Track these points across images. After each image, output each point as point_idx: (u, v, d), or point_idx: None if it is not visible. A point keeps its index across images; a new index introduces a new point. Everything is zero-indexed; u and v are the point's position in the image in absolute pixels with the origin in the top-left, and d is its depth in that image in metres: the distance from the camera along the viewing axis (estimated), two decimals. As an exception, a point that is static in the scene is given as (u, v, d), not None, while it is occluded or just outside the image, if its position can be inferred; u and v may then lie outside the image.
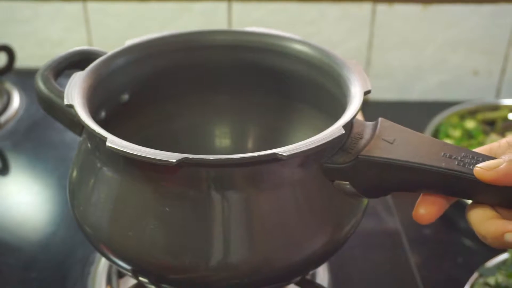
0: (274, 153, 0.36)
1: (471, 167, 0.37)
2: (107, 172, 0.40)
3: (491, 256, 0.63)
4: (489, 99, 0.99)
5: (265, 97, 0.55)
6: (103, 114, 0.48)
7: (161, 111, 0.55)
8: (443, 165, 0.38)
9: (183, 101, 0.55)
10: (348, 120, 0.39)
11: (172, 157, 0.35)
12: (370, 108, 0.98)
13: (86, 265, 0.56)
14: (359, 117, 0.46)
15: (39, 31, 0.98)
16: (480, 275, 0.61)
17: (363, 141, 0.41)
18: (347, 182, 0.40)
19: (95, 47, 0.52)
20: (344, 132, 0.38)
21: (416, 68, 0.98)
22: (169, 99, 0.55)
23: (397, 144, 0.40)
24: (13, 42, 0.92)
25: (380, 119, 0.43)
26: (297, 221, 0.39)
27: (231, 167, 0.37)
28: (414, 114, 0.98)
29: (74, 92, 0.42)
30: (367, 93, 0.43)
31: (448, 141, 0.84)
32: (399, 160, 0.39)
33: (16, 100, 0.86)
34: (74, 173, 0.44)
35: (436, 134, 0.86)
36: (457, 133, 0.86)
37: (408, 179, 0.39)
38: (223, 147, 0.57)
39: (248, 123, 0.57)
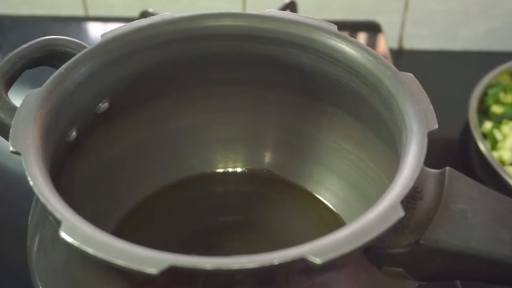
0: (302, 258, 0.24)
1: None
2: (66, 257, 0.29)
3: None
4: (548, 51, 0.86)
5: (286, 95, 0.43)
6: (73, 134, 0.37)
7: (153, 112, 0.43)
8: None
9: (180, 97, 0.43)
10: (408, 191, 0.28)
11: (154, 262, 0.24)
12: (406, 57, 0.86)
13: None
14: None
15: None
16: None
17: (424, 206, 0.30)
18: (401, 269, 0.29)
19: (62, 36, 0.39)
20: (403, 214, 0.26)
21: (462, 13, 0.85)
22: (163, 97, 0.43)
23: (473, 217, 0.29)
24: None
25: (447, 169, 0.31)
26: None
27: (239, 276, 0.26)
28: (458, 66, 0.85)
29: (24, 130, 0.30)
30: (431, 133, 0.31)
31: (498, 109, 0.72)
32: (478, 249, 0.27)
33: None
34: (31, 234, 0.33)
35: (483, 99, 0.73)
36: (509, 98, 0.74)
37: (488, 272, 0.28)
38: (232, 154, 0.46)
39: (265, 126, 0.45)
